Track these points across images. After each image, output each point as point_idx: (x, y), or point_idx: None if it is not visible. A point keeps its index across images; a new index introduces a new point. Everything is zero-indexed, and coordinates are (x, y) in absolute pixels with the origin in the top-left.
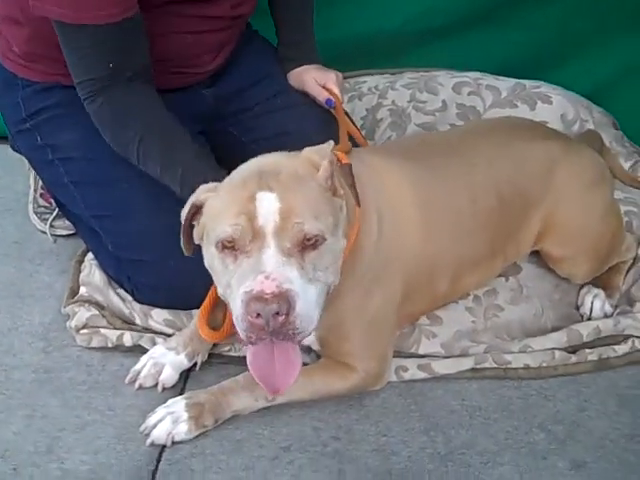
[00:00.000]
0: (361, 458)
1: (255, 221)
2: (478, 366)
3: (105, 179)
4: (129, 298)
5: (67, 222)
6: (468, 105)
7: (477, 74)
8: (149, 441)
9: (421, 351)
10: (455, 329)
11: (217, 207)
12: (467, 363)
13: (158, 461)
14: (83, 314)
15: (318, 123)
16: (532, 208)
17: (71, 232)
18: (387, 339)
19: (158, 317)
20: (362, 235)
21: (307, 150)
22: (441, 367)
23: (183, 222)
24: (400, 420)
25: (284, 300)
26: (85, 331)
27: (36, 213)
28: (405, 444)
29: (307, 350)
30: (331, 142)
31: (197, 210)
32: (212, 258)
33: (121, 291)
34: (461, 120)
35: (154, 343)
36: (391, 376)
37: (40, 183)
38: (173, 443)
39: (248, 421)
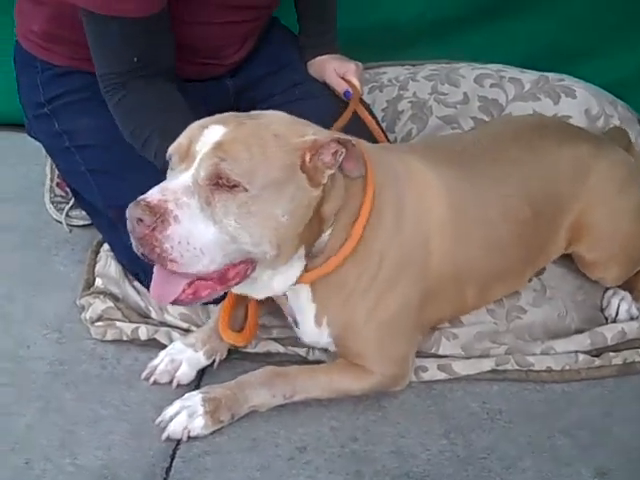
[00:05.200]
0: (379, 460)
1: (193, 145)
2: (499, 367)
3: (122, 168)
4: (145, 291)
5: (83, 212)
6: (490, 98)
7: (499, 66)
8: (165, 435)
9: (441, 352)
10: (476, 330)
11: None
12: (488, 364)
13: (172, 458)
14: (98, 306)
15: (335, 115)
16: (563, 214)
17: (87, 222)
18: (406, 342)
19: (174, 311)
20: (371, 231)
21: (312, 125)
22: (461, 367)
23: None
24: (419, 422)
25: (152, 212)
26: (100, 324)
27: (52, 202)
28: (424, 446)
29: (325, 350)
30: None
31: None
32: None
33: (137, 284)
34: (483, 113)
35: (170, 337)
36: (411, 376)
37: (57, 172)
38: (189, 438)
39: (264, 419)
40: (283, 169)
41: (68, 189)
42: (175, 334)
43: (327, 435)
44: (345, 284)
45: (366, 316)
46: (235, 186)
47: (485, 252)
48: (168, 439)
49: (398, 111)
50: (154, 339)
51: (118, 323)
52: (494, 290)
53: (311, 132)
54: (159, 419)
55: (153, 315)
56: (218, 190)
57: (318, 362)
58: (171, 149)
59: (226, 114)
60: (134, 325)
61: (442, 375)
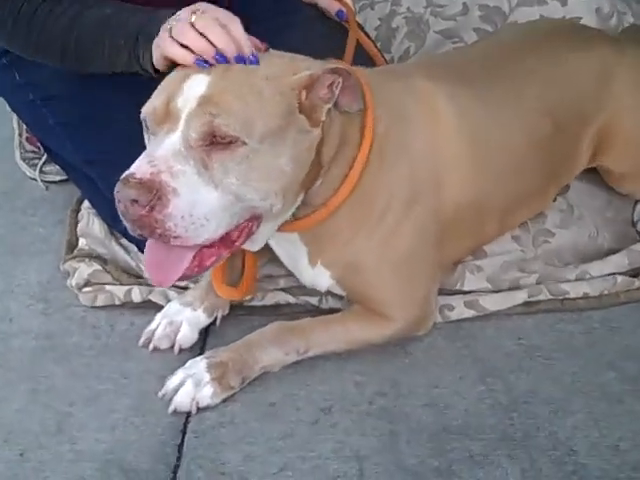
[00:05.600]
0: (412, 415)
1: (173, 102)
2: (532, 299)
3: (96, 117)
4: (134, 249)
5: (58, 166)
6: (492, 6)
7: None
8: (171, 408)
9: (466, 287)
10: (502, 260)
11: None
12: (519, 297)
13: (183, 434)
14: (84, 270)
15: (327, 39)
16: (587, 126)
17: (64, 177)
18: (427, 280)
19: None
20: (372, 173)
21: (301, 58)
22: (490, 303)
23: None
24: (451, 367)
25: (146, 189)
26: (88, 289)
27: (24, 159)
28: (460, 395)
29: (340, 297)
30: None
31: None
32: None
33: (125, 241)
34: (486, 23)
35: (166, 297)
36: (435, 317)
37: (25, 126)
38: (198, 410)
39: (279, 380)
40: (281, 114)
41: (39, 144)
42: (172, 293)
43: (352, 392)
44: (342, 228)
45: (376, 258)
46: (231, 142)
47: (506, 176)
48: (175, 413)
49: (392, 28)
50: (149, 300)
51: (108, 287)
52: (517, 215)
53: (304, 67)
54: (162, 391)
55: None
56: (213, 149)
57: (332, 311)
58: (146, 110)
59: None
60: (126, 287)
61: (470, 312)
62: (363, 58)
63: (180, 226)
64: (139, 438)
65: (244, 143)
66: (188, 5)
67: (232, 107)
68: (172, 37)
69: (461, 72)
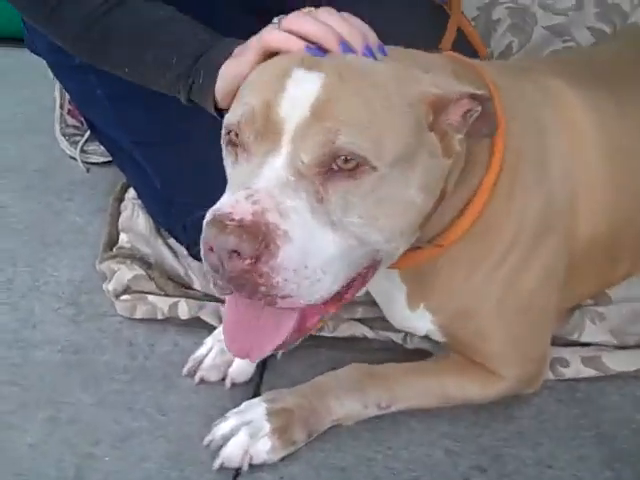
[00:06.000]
0: None
1: (275, 109)
2: None
3: (149, 91)
4: (184, 252)
5: (102, 146)
6: (610, 2)
7: None
8: (218, 462)
9: (584, 339)
10: (630, 308)
11: (248, 79)
12: None
13: None
14: (124, 274)
15: (422, 22)
16: None
17: (108, 159)
18: (547, 331)
19: None
20: (500, 199)
21: (416, 55)
22: (615, 362)
23: None
24: (568, 442)
25: (251, 235)
26: (127, 297)
27: (64, 135)
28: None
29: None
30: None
31: None
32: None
33: (173, 242)
34: (602, 22)
35: (219, 316)
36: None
37: (67, 97)
38: (250, 467)
39: (354, 438)
40: (412, 131)
41: (82, 118)
42: None
43: (442, 461)
44: (456, 266)
45: (494, 303)
46: (357, 167)
47: None
48: (222, 468)
49: (493, 20)
50: (198, 318)
51: (150, 297)
52: None
53: (427, 76)
54: (208, 438)
55: (196, 285)
56: (331, 177)
57: (418, 352)
58: (233, 117)
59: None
60: (172, 299)
61: (589, 372)
62: (463, 48)
63: (291, 282)
64: None
65: (373, 168)
66: None
67: (359, 118)
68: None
69: (595, 75)
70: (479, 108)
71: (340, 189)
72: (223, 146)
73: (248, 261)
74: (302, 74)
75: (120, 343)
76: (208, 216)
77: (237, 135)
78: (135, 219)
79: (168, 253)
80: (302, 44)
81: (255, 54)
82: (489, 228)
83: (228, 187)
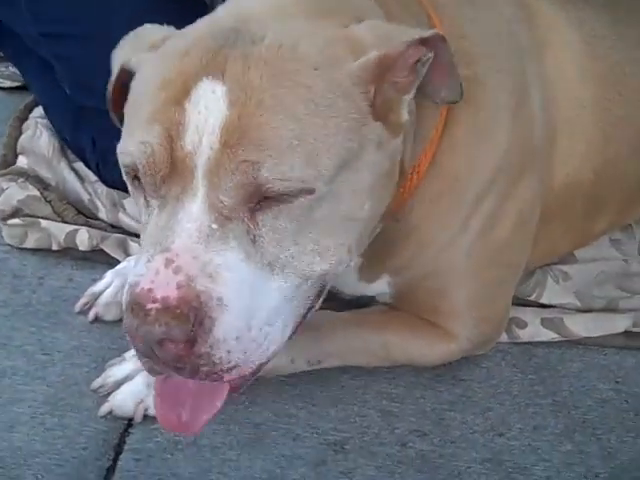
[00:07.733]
0: (466, 474)
1: (178, 143)
2: (636, 329)
3: None
4: (91, 177)
5: (12, 68)
6: None
7: None
8: (105, 409)
9: (545, 299)
10: (597, 270)
11: (139, 90)
12: (619, 324)
13: (118, 453)
14: (14, 193)
15: None
16: None
17: (18, 83)
18: (509, 292)
19: (134, 209)
20: (462, 133)
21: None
22: (579, 326)
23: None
24: (522, 410)
25: (181, 318)
26: (16, 221)
27: None
28: (538, 454)
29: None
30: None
31: (129, 76)
32: None
33: (80, 165)
34: None
35: (124, 249)
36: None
37: None
38: (145, 418)
39: (274, 394)
40: (351, 128)
41: None
42: (134, 245)
43: (376, 423)
44: (429, 221)
45: (464, 256)
46: (289, 193)
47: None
48: (110, 417)
49: None
50: (101, 251)
51: (45, 222)
52: (634, 210)
53: (369, 38)
54: (98, 381)
55: (101, 214)
56: (259, 210)
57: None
58: (131, 157)
59: (205, 35)
60: (70, 227)
61: (549, 335)
62: None
63: (236, 352)
64: (47, 450)
65: (309, 191)
66: None
67: (280, 137)
68: None
69: None
70: (430, 54)
71: (270, 220)
72: (127, 181)
73: (182, 345)
74: (204, 87)
75: (4, 274)
76: (126, 296)
77: (139, 178)
78: (37, 140)
79: (72, 177)
80: None
81: None
82: (458, 174)
83: (143, 244)
